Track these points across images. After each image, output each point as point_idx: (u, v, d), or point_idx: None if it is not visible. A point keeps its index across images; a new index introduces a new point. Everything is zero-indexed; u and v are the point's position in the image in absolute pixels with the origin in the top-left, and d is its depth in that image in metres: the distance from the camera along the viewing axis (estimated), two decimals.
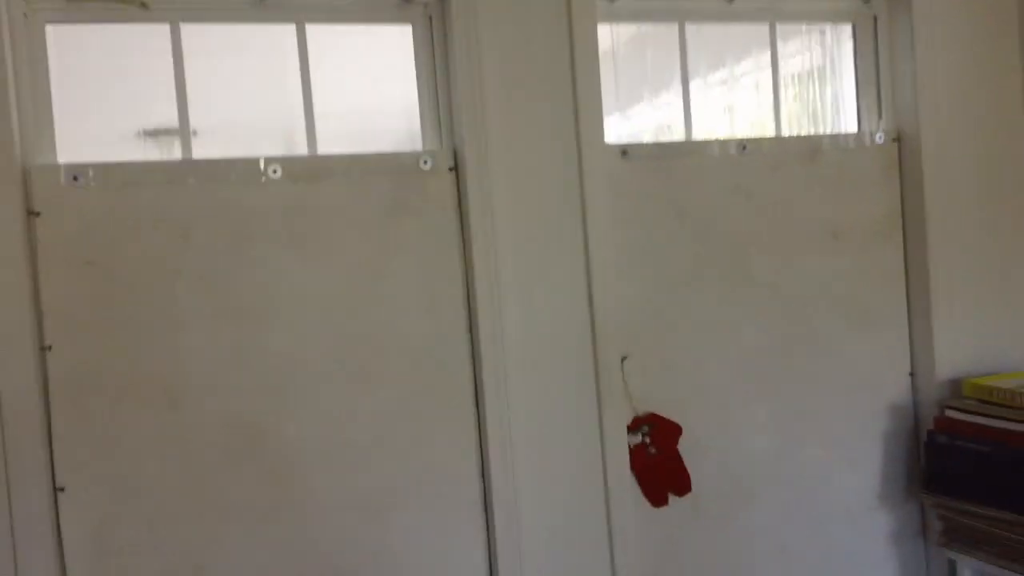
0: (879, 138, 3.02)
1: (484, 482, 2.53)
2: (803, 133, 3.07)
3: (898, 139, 3.02)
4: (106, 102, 2.33)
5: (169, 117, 2.35)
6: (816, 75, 3.13)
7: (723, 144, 2.84)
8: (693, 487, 2.74)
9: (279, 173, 2.35)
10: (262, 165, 2.34)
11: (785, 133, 3.01)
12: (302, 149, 2.45)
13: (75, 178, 2.18)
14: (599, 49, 2.61)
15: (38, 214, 2.15)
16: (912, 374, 3.05)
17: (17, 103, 2.14)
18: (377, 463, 2.45)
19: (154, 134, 2.37)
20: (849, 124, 3.10)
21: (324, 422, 2.40)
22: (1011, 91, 3.06)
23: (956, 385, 2.95)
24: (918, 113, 2.95)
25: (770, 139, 2.93)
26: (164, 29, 2.32)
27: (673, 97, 2.88)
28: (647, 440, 2.67)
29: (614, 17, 2.75)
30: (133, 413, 2.24)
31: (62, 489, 2.17)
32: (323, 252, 2.40)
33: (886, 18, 3.02)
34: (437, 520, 2.50)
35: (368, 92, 2.58)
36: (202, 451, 2.29)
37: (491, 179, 2.50)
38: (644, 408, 2.69)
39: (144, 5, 2.27)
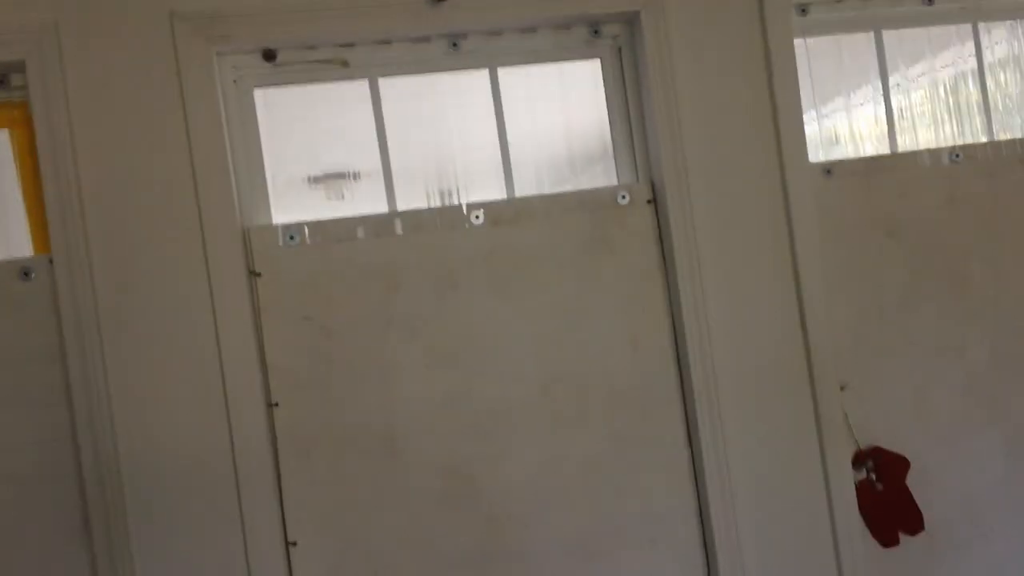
0: None
1: (702, 523, 2.44)
2: (1017, 136, 2.85)
3: None
4: (293, 156, 2.38)
5: (339, 163, 2.38)
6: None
7: (933, 154, 2.67)
8: (926, 525, 2.55)
9: (481, 218, 2.35)
10: (465, 211, 2.34)
11: (998, 137, 2.80)
12: (497, 193, 2.44)
13: (291, 237, 2.23)
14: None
15: (259, 274, 2.21)
16: None
17: (234, 166, 2.21)
18: (591, 506, 2.39)
19: (321, 179, 2.41)
20: None
21: (534, 466, 2.37)
22: None
23: None
24: None
25: (984, 144, 2.73)
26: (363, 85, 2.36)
27: (865, 108, 2.73)
28: (872, 476, 2.51)
29: (807, 31, 2.63)
30: (355, 464, 2.26)
31: (294, 543, 2.21)
32: (525, 294, 2.38)
33: None
34: (656, 563, 2.42)
35: (559, 130, 2.55)
36: (420, 499, 2.30)
37: (692, 210, 2.42)
38: (866, 441, 2.54)
39: (345, 63, 2.31)
